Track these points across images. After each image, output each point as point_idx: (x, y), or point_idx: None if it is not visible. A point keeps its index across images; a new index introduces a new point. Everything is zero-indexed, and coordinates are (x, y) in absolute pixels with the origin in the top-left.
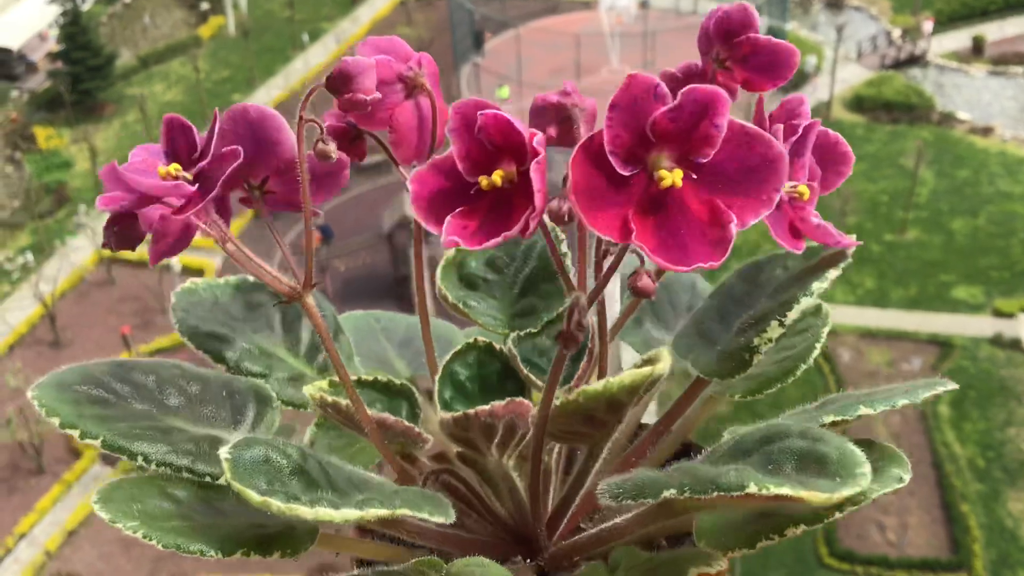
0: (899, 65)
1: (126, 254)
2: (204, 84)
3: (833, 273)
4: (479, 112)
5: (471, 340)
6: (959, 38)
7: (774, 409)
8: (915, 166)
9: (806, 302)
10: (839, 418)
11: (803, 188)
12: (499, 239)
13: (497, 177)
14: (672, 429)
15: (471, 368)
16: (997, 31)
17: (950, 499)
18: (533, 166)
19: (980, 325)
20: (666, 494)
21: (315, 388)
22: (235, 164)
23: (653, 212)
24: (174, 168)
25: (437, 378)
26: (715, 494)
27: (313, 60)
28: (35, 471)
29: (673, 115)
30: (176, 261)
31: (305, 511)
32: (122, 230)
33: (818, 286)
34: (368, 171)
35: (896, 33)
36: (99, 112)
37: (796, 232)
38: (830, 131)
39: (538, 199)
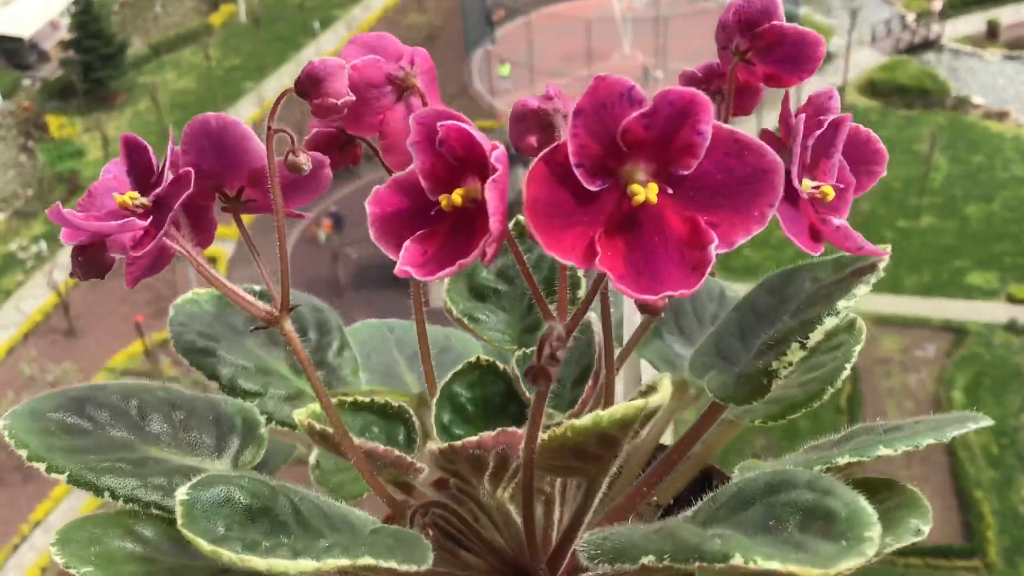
0: (913, 49)
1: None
2: (215, 72)
3: (862, 289)
4: (438, 123)
5: (473, 359)
6: (973, 22)
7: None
8: (929, 151)
9: (830, 322)
10: (855, 459)
11: (827, 188)
12: (454, 268)
13: (457, 196)
14: (690, 454)
15: (473, 389)
16: (1012, 15)
17: (963, 486)
18: (489, 185)
19: (994, 311)
20: (644, 561)
21: (304, 413)
22: (188, 191)
23: (624, 232)
24: (130, 197)
25: (435, 400)
26: (696, 564)
27: (325, 47)
28: None
29: (647, 122)
30: None
31: (257, 562)
32: (88, 259)
33: (844, 304)
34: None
35: (910, 17)
36: (111, 101)
37: (815, 234)
38: (861, 127)
39: (494, 223)
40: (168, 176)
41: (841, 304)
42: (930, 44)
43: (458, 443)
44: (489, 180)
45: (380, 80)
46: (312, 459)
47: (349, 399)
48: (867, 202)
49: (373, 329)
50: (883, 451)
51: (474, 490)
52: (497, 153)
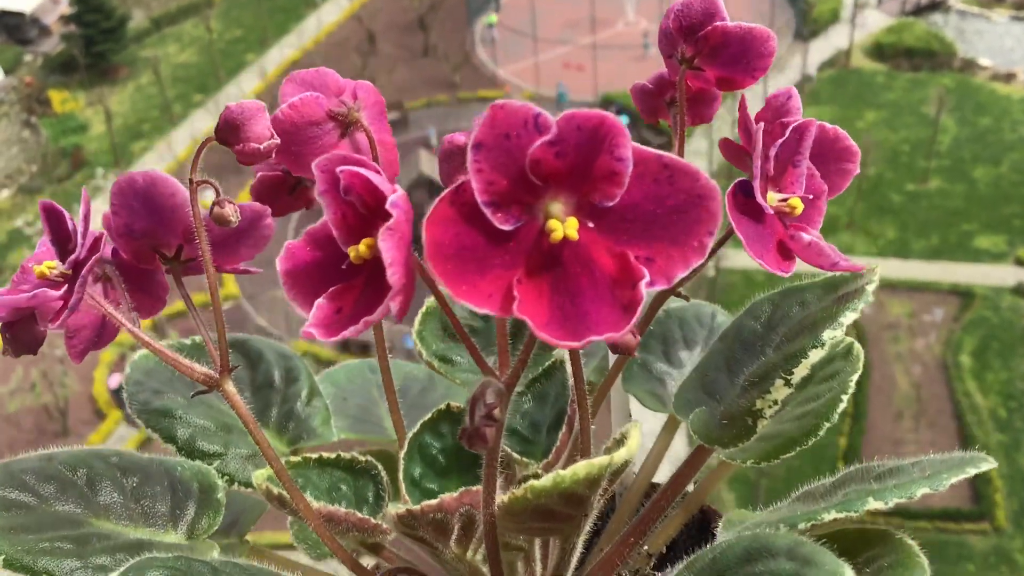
0: (920, 11)
1: None
2: (217, 45)
3: (849, 316)
4: (338, 170)
5: (443, 406)
6: None
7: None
8: (936, 114)
9: (816, 355)
10: (842, 515)
11: (795, 201)
12: (359, 327)
13: (364, 247)
14: (683, 496)
15: (443, 439)
16: None
17: (971, 449)
18: (382, 234)
19: (1002, 274)
20: None
21: (262, 476)
22: (95, 256)
23: (547, 272)
24: (47, 267)
25: (403, 453)
26: None
27: (326, 18)
28: (60, 433)
29: (557, 151)
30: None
31: None
32: (16, 335)
33: (830, 335)
34: None
35: None
36: (113, 75)
37: (785, 252)
38: (827, 125)
39: (391, 275)
40: (79, 241)
41: (827, 335)
42: (937, 5)
43: (416, 508)
44: (382, 229)
45: (320, 117)
46: (290, 516)
47: (314, 456)
48: (875, 166)
49: (352, 370)
50: (873, 504)
51: (441, 555)
52: (394, 198)
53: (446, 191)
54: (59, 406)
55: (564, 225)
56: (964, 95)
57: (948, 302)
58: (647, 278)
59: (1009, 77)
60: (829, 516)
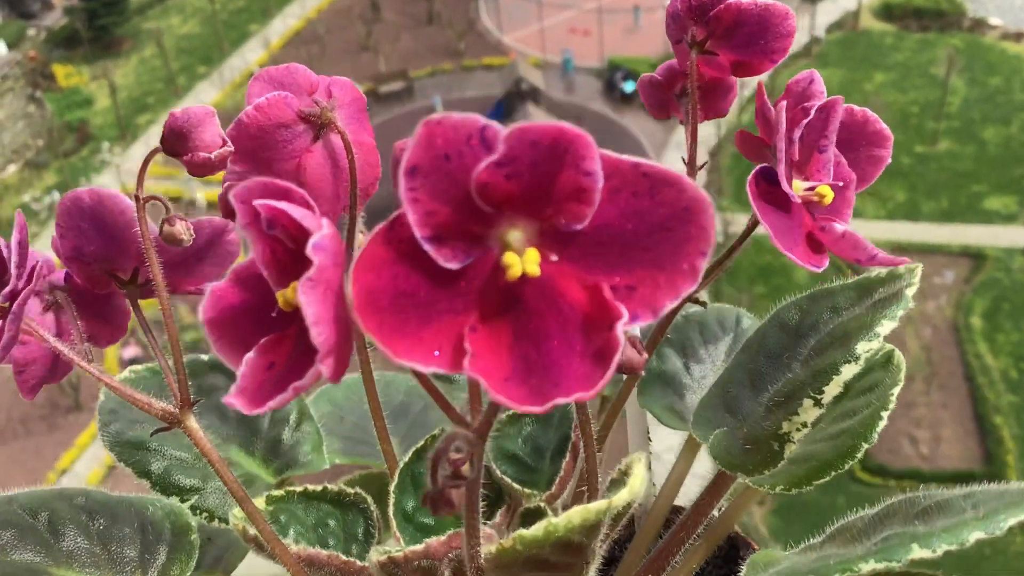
0: None
1: (152, 187)
2: (220, 15)
3: (887, 326)
4: (255, 203)
5: (437, 431)
6: None
7: None
8: (946, 75)
9: (849, 371)
10: (880, 566)
11: (824, 189)
12: (287, 395)
13: (292, 291)
14: (707, 524)
15: None
16: None
17: (983, 411)
18: (301, 287)
19: (1013, 235)
20: None
21: (239, 516)
22: (30, 286)
23: (504, 316)
24: None
25: (393, 486)
26: None
27: None
28: (73, 408)
29: (508, 171)
30: (202, 197)
31: None
32: None
33: (865, 348)
34: (387, 100)
35: None
36: (117, 48)
37: (816, 245)
38: (855, 108)
39: (319, 336)
40: (13, 272)
41: (862, 348)
42: None
43: (399, 554)
44: (301, 280)
45: (290, 119)
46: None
47: (299, 489)
48: None
49: (351, 387)
50: (918, 553)
51: None
52: (316, 239)
53: (378, 227)
54: (71, 380)
55: (523, 259)
56: (974, 55)
57: (959, 264)
58: (625, 316)
59: (1019, 36)
60: (867, 567)
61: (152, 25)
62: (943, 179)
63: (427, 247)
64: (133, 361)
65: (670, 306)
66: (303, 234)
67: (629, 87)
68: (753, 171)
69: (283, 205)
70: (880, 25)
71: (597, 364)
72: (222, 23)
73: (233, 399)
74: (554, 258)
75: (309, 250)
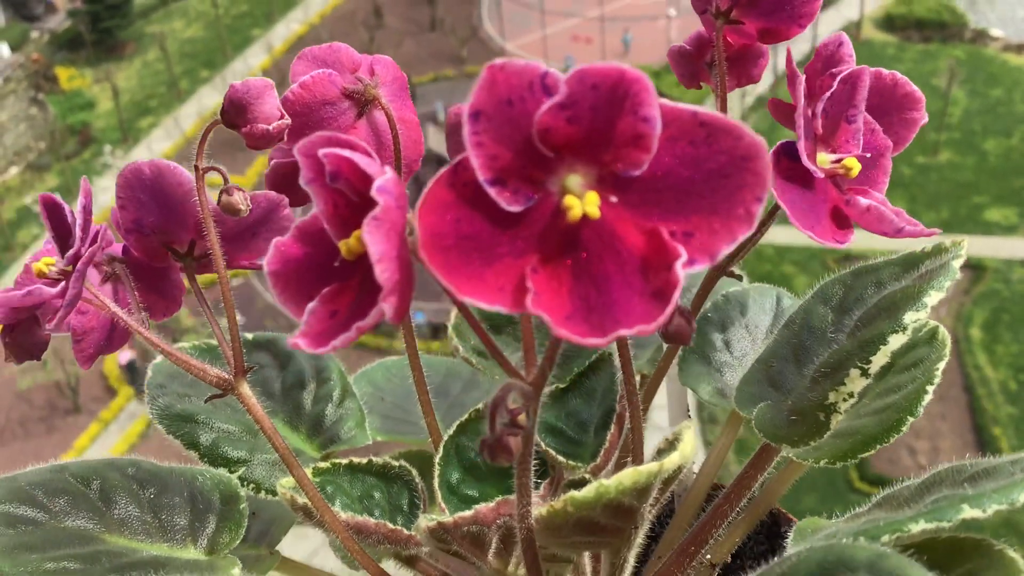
0: None
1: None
2: (223, 20)
3: (934, 296)
4: (320, 153)
5: (481, 405)
6: None
7: None
8: (947, 86)
9: (896, 341)
10: (931, 526)
11: (850, 161)
12: (351, 334)
13: (355, 240)
14: (749, 500)
15: None
16: None
17: (982, 423)
18: (366, 226)
19: (1013, 247)
20: None
21: (287, 484)
22: (93, 247)
23: (565, 258)
24: (45, 263)
25: (438, 457)
26: None
27: None
28: (72, 410)
29: (569, 115)
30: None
31: None
32: (17, 339)
33: (913, 317)
34: None
35: None
36: (120, 51)
37: (842, 220)
38: (884, 71)
39: (383, 273)
40: (77, 234)
41: (909, 318)
42: None
43: (448, 520)
44: (367, 219)
45: (335, 96)
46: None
47: (344, 462)
48: None
49: (390, 368)
50: (969, 512)
51: (480, 569)
52: (380, 182)
53: (442, 171)
54: (70, 383)
55: (583, 201)
56: (975, 67)
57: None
58: (684, 257)
59: (1021, 48)
60: (917, 527)
61: (155, 29)
62: (944, 190)
63: (490, 190)
64: (130, 364)
65: (726, 251)
66: (366, 185)
67: None
68: (774, 147)
69: (347, 153)
70: (882, 36)
71: (657, 302)
72: (225, 27)
73: (298, 339)
74: (614, 199)
75: (374, 191)
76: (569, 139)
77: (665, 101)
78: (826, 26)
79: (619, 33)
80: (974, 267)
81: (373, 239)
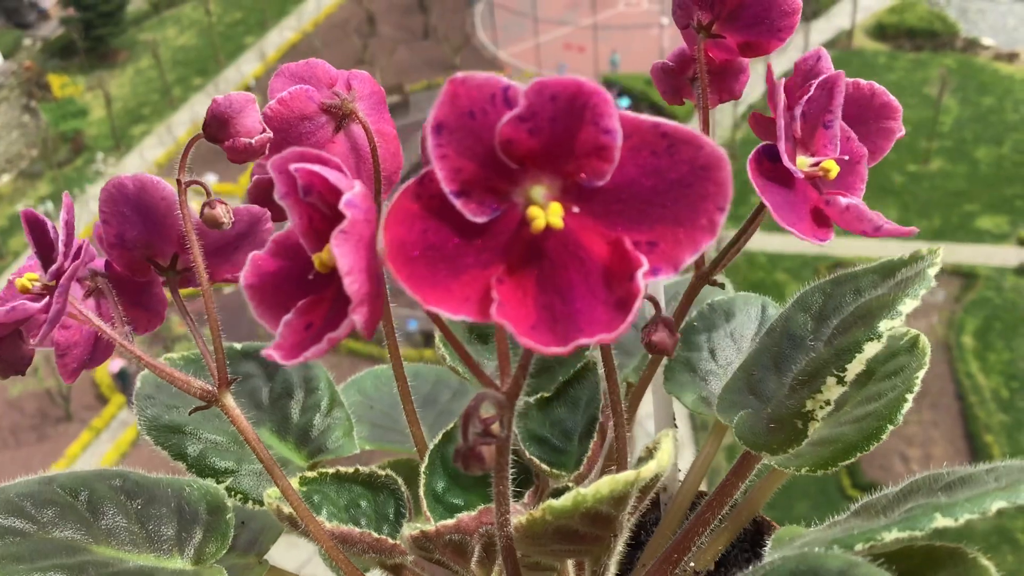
0: None
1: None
2: (216, 28)
3: (908, 304)
4: (291, 168)
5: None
6: None
7: None
8: (938, 94)
9: (872, 349)
10: (904, 534)
11: (829, 163)
12: (322, 346)
13: (327, 253)
14: (732, 507)
15: None
16: None
17: (974, 430)
18: (334, 239)
19: (1005, 255)
20: None
21: (274, 494)
22: (76, 262)
23: (529, 267)
24: (28, 279)
25: (424, 467)
26: None
27: (326, 0)
28: (63, 418)
29: (530, 127)
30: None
31: None
32: (1, 354)
33: (887, 326)
34: None
35: None
36: (112, 59)
37: (822, 219)
38: (862, 81)
39: (351, 285)
40: (60, 249)
41: (884, 326)
42: None
43: (431, 529)
44: (335, 232)
45: (312, 111)
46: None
47: (331, 471)
48: None
49: (379, 377)
50: (941, 521)
51: None
52: (348, 196)
53: (408, 182)
54: (61, 391)
55: (547, 212)
56: (966, 75)
57: (950, 283)
58: (645, 266)
59: (1012, 57)
60: (890, 536)
61: (148, 36)
62: (935, 198)
63: (455, 201)
64: (122, 372)
65: (690, 260)
66: (337, 197)
67: (624, 103)
68: (755, 149)
69: (318, 168)
70: (873, 45)
71: (619, 311)
72: (218, 35)
73: (272, 351)
74: (577, 210)
75: (342, 205)
76: (531, 150)
77: (626, 112)
78: (818, 35)
79: (612, 42)
80: (966, 275)
81: (341, 252)
